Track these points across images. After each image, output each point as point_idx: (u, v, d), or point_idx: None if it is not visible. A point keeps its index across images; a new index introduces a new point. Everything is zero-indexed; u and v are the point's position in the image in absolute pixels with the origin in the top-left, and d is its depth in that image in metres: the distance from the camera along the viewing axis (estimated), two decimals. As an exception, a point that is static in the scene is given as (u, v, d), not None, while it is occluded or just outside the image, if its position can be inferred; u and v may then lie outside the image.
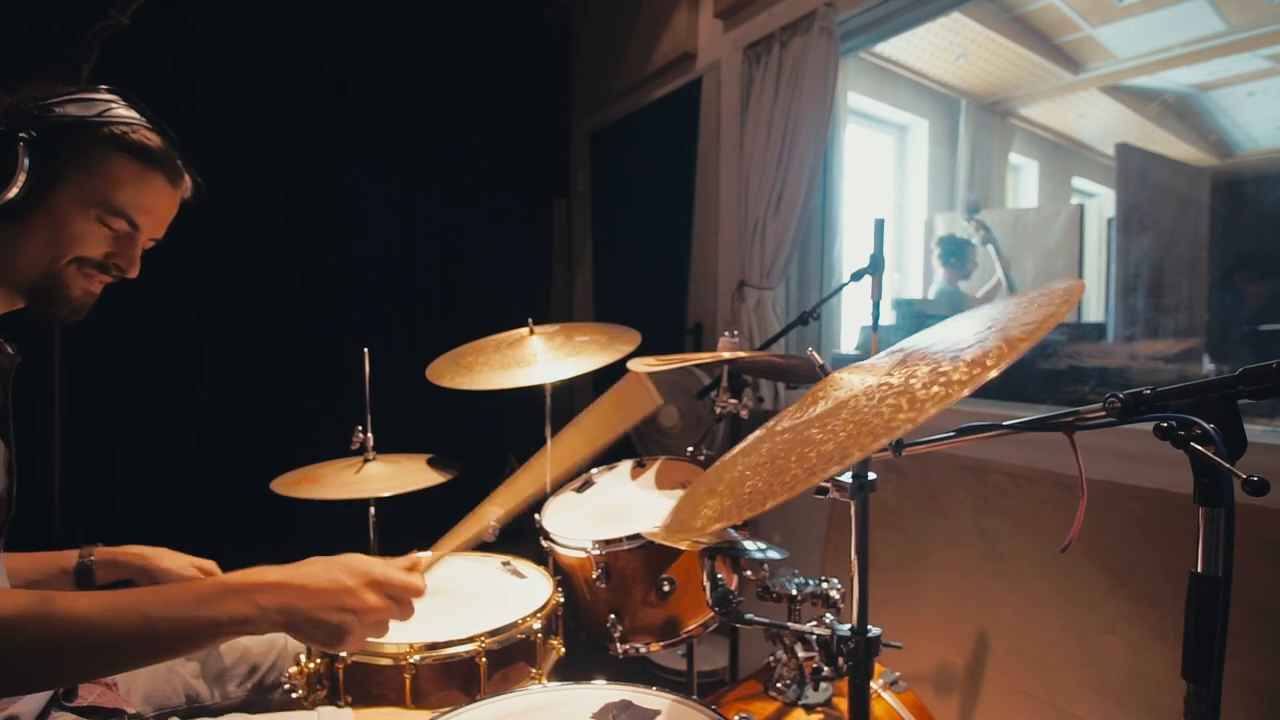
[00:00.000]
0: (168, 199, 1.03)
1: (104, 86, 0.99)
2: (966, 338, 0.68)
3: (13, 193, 0.88)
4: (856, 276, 1.57)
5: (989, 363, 0.57)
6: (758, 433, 0.83)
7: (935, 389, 0.59)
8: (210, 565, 1.27)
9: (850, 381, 0.75)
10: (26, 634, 0.73)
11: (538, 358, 1.69)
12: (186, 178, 1.05)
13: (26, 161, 0.88)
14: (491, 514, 1.10)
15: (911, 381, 0.64)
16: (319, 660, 1.17)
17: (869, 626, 0.87)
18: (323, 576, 0.84)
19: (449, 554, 1.03)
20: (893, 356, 0.77)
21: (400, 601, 0.87)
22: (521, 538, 1.51)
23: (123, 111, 0.98)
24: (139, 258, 1.02)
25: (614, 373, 1.71)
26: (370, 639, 0.88)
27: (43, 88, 0.94)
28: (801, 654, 1.26)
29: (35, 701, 0.95)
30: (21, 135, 0.89)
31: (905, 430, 0.56)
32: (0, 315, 0.98)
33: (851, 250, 2.53)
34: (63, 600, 0.76)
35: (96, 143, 0.94)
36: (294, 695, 1.18)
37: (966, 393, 0.56)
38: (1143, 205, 2.53)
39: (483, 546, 1.51)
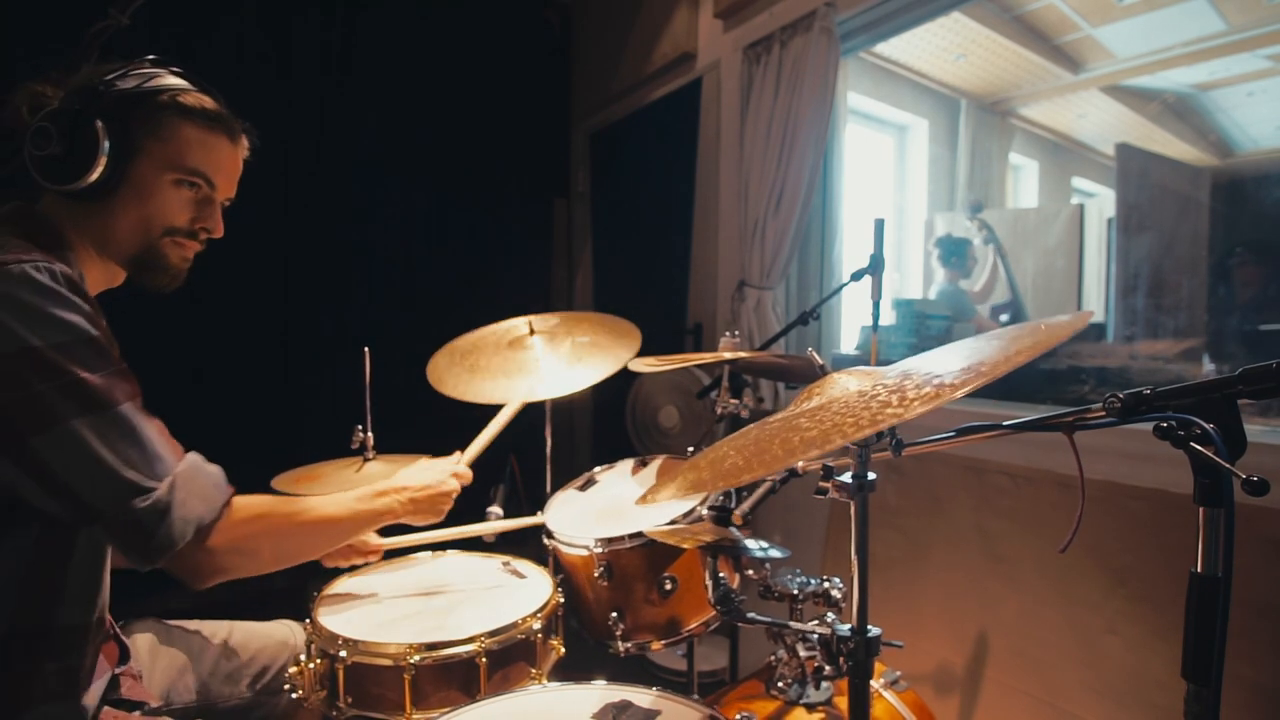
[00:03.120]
0: (231, 156, 1.08)
1: (150, 58, 1.02)
2: (971, 351, 0.71)
3: (97, 173, 0.93)
4: (856, 276, 1.57)
5: (983, 369, 0.60)
6: (752, 425, 0.84)
7: (927, 389, 0.61)
8: None
9: (847, 382, 0.77)
10: (272, 522, 1.04)
11: (539, 364, 1.68)
12: (243, 136, 1.10)
13: (106, 144, 0.93)
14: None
15: (905, 383, 0.66)
16: (319, 660, 1.17)
17: (869, 626, 0.87)
18: (427, 474, 1.29)
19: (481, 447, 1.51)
20: (898, 366, 0.79)
21: (460, 476, 1.34)
22: (522, 538, 1.51)
23: (173, 79, 1.02)
24: (221, 218, 1.08)
25: (615, 377, 1.71)
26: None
27: (92, 69, 0.97)
28: (803, 653, 1.26)
29: (95, 693, 0.98)
30: (97, 114, 0.93)
31: (890, 423, 0.59)
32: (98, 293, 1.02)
33: (851, 250, 2.53)
34: (287, 501, 1.08)
35: (159, 110, 0.98)
36: (294, 695, 1.18)
37: (928, 408, 0.58)
38: (1143, 205, 2.53)
39: (483, 546, 1.51)
